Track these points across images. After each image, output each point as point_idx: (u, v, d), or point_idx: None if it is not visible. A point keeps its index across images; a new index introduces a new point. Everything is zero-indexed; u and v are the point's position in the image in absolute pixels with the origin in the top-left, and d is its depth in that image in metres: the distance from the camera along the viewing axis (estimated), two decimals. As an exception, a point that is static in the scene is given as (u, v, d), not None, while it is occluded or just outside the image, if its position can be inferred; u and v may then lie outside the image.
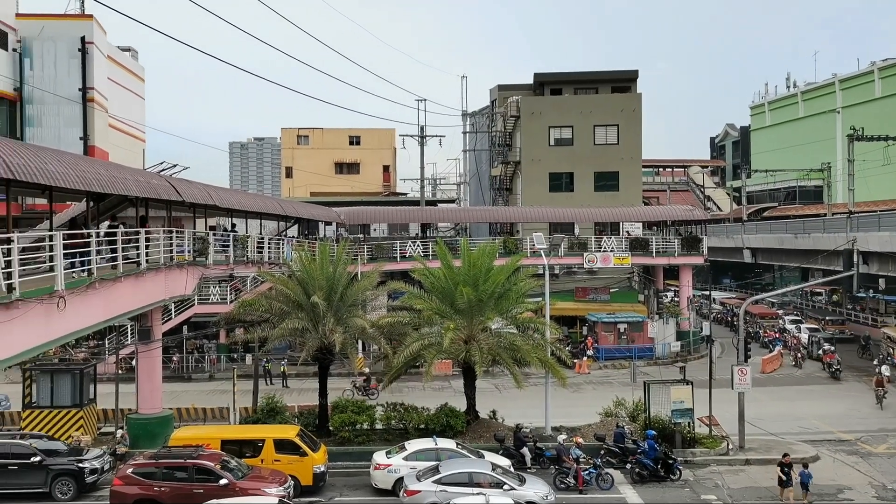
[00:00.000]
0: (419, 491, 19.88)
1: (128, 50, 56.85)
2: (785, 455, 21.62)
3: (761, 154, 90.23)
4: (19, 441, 22.70)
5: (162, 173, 26.91)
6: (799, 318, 55.70)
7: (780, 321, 53.47)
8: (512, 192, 59.51)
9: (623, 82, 57.59)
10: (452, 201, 74.45)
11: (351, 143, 71.81)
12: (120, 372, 32.68)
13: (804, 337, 47.20)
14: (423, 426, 25.30)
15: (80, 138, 44.98)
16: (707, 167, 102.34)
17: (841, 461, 24.99)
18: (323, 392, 26.81)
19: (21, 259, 14.66)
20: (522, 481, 20.48)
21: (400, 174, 75.60)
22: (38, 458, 21.89)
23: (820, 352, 42.01)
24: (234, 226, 34.36)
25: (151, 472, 19.95)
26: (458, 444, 23.00)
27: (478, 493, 18.88)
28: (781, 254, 58.84)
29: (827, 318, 54.75)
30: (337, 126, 72.13)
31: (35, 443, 22.67)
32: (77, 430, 26.32)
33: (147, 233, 21.16)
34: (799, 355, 42.93)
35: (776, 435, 27.27)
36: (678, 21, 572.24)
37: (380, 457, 22.42)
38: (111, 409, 29.08)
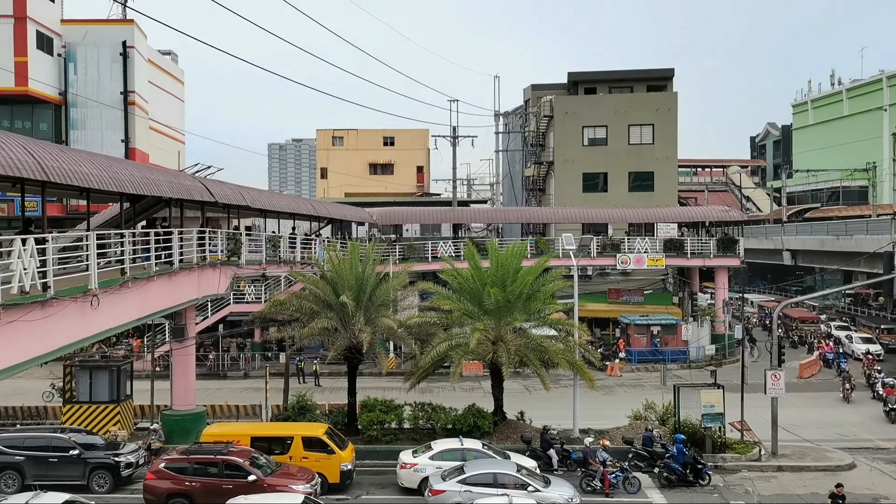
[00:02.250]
0: (444, 490, 19.99)
1: (168, 54, 58.06)
2: (839, 486, 19.48)
3: (803, 153, 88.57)
4: (59, 435, 23.36)
5: (197, 174, 27.50)
6: (847, 324, 51.78)
7: (827, 327, 50.79)
8: (545, 192, 59.35)
9: (659, 81, 57.07)
10: (485, 202, 74.45)
11: (385, 143, 72.23)
12: (157, 369, 33.44)
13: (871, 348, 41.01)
14: (450, 426, 25.41)
15: (122, 141, 46.14)
16: (747, 167, 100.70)
17: (879, 469, 24.45)
18: (352, 391, 27.09)
19: (60, 258, 15.21)
20: (547, 483, 20.47)
21: (434, 174, 76.00)
22: (76, 452, 22.51)
23: (879, 384, 33.75)
24: (293, 229, 35.02)
25: (183, 468, 20.35)
26: (484, 444, 23.06)
27: (502, 494, 18.92)
28: (822, 256, 57.80)
29: (882, 326, 49.60)
30: (371, 127, 72.69)
31: (74, 436, 23.30)
32: (114, 424, 26.99)
33: (180, 233, 21.64)
34: (848, 386, 34.47)
35: (811, 441, 26.79)
36: (719, 19, 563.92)
37: (406, 456, 22.59)
38: (147, 405, 29.76)
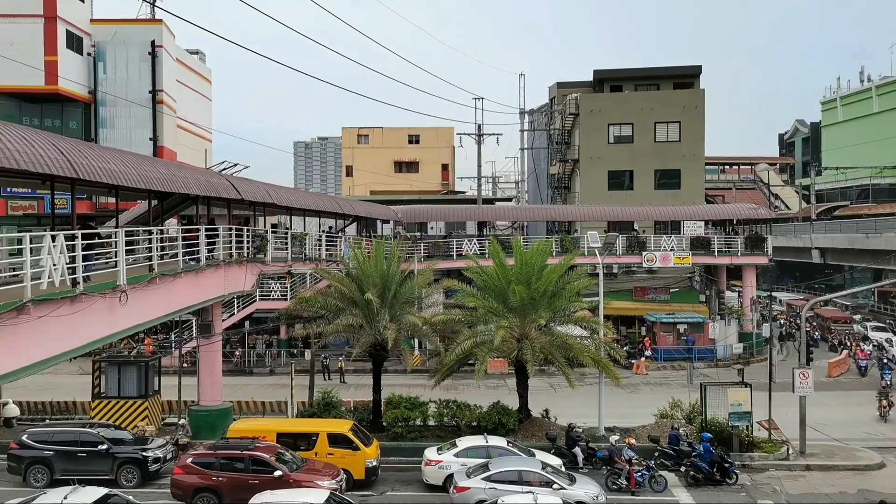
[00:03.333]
0: (469, 488, 19.95)
1: (196, 53, 58.59)
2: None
3: (832, 151, 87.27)
4: (88, 430, 23.67)
5: (223, 172, 27.72)
6: (885, 325, 49.53)
7: (863, 328, 48.94)
8: (570, 190, 59.08)
9: (685, 78, 56.53)
10: (510, 200, 74.27)
11: (410, 141, 72.25)
12: (185, 365, 33.81)
13: None
14: (475, 423, 25.40)
15: (150, 139, 46.65)
16: (775, 165, 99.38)
17: (908, 469, 24.07)
18: (377, 388, 27.16)
19: (88, 254, 15.40)
20: (573, 481, 20.36)
21: (459, 172, 75.74)
22: (105, 447, 22.81)
23: None
24: (330, 228, 35.46)
25: (210, 463, 20.52)
26: (508, 442, 23.00)
27: (527, 492, 18.84)
28: (852, 254, 56.84)
29: None
30: (396, 125, 72.78)
31: (103, 431, 23.58)
32: (142, 420, 27.34)
33: (207, 230, 21.84)
34: (886, 403, 30.48)
35: (840, 440, 26.41)
36: (747, 15, 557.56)
37: (431, 453, 22.61)
38: (175, 400, 30.08)
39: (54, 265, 12.92)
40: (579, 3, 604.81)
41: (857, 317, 54.61)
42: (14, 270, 14.83)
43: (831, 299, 52.99)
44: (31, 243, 12.44)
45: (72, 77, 44.30)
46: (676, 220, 48.00)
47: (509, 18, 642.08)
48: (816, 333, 48.91)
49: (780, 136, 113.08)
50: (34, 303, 12.42)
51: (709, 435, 23.33)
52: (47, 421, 29.15)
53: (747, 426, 24.88)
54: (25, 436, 23.26)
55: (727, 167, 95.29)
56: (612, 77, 57.73)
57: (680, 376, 38.54)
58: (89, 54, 46.15)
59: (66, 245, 13.43)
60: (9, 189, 39.55)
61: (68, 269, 13.56)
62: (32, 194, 42.49)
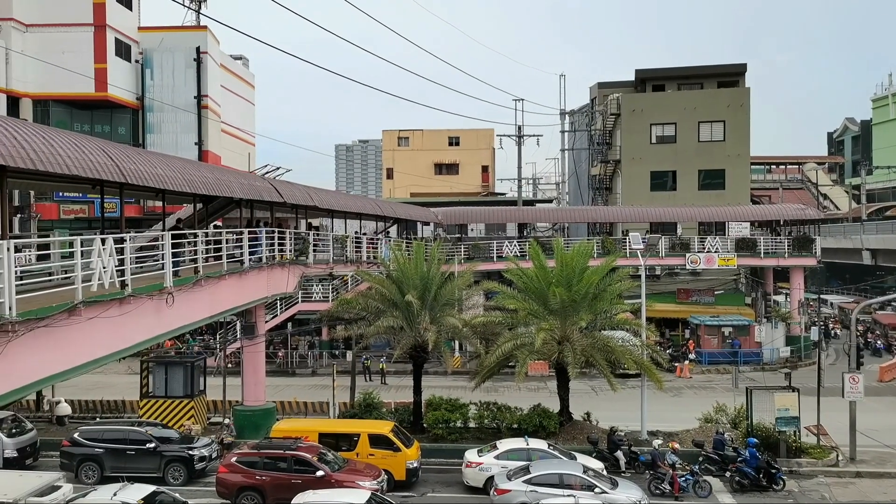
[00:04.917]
0: (509, 490, 19.91)
1: (239, 58, 59.56)
2: None
3: (884, 149, 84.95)
4: (137, 428, 24.21)
5: (266, 175, 28.13)
6: None
7: None
8: (612, 191, 58.56)
9: (730, 76, 55.65)
10: (550, 201, 73.89)
11: (450, 143, 72.41)
12: (229, 366, 34.35)
13: None
14: (515, 426, 25.34)
15: (195, 143, 47.56)
16: (824, 164, 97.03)
17: (965, 478, 23.29)
18: (417, 389, 27.26)
19: (137, 257, 15.79)
20: (615, 485, 20.17)
21: (499, 174, 75.74)
22: (152, 445, 23.31)
23: None
24: (381, 233, 36.06)
25: (254, 462, 20.83)
26: (549, 444, 22.89)
27: (568, 495, 18.74)
28: (905, 255, 55.26)
29: None
30: (436, 127, 72.98)
31: (150, 430, 24.11)
32: (188, 419, 27.83)
33: (251, 233, 22.17)
34: None
35: (892, 447, 25.66)
36: (795, 11, 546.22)
37: (471, 455, 22.62)
38: (219, 400, 30.58)
39: (104, 268, 13.25)
40: (621, 2, 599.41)
41: None
42: (66, 273, 15.23)
43: (885, 303, 51.36)
44: (81, 246, 12.77)
45: (120, 84, 45.37)
46: (721, 220, 47.25)
47: (550, 19, 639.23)
48: (879, 342, 47.44)
49: (829, 135, 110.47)
50: (84, 304, 12.75)
51: (755, 440, 22.92)
52: (97, 419, 29.89)
53: (795, 431, 24.37)
54: (77, 434, 23.91)
55: (774, 167, 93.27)
56: (654, 76, 57.11)
57: (725, 380, 37.89)
58: (137, 61, 47.24)
59: (115, 248, 13.76)
60: (60, 194, 40.64)
61: (117, 271, 13.89)
62: (83, 199, 43.62)
